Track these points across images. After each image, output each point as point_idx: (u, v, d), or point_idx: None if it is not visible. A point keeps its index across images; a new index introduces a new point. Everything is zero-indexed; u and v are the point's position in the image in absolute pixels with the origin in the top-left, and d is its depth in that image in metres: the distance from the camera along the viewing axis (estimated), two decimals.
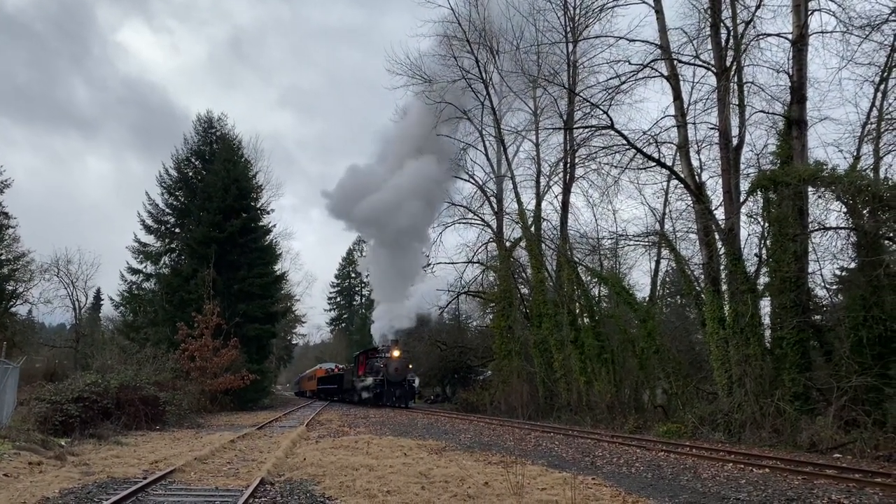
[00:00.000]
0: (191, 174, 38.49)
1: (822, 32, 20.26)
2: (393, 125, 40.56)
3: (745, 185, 21.08)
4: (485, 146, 36.99)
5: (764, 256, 20.14)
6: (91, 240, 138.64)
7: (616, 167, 25.55)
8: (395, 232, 38.38)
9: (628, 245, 30.55)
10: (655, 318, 25.29)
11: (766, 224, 19.81)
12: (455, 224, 40.19)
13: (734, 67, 21.50)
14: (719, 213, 21.71)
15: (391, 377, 36.65)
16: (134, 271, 37.29)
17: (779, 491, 10.01)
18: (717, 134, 21.77)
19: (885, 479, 10.63)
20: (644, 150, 22.08)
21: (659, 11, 23.45)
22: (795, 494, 9.72)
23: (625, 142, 22.03)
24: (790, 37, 20.51)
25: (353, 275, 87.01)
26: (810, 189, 18.69)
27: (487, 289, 40.60)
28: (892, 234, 17.15)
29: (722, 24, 21.52)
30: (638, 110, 74.37)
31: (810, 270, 19.18)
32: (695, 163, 23.38)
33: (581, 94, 29.09)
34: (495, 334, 34.59)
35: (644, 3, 23.79)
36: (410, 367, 38.48)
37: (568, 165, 31.97)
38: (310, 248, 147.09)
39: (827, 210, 18.55)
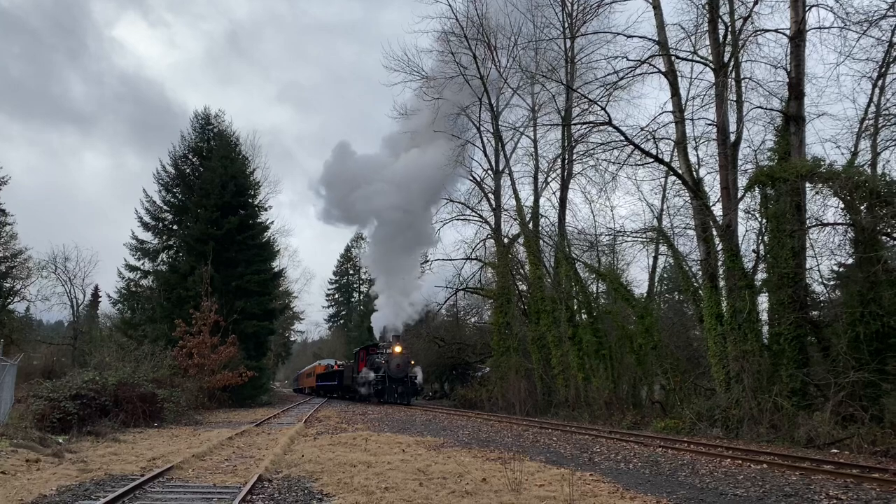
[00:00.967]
0: (188, 171, 38.41)
1: (819, 28, 20.26)
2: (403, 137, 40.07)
3: (742, 182, 21.10)
4: (482, 142, 37.01)
5: (761, 252, 20.15)
6: (88, 236, 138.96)
7: (614, 163, 25.52)
8: (396, 223, 37.95)
9: (626, 241, 30.55)
10: (653, 314, 25.30)
11: (764, 220, 19.82)
12: (453, 220, 40.22)
13: (732, 63, 21.49)
14: (717, 210, 21.74)
15: (393, 373, 36.19)
16: (131, 268, 37.23)
17: (776, 486, 10.03)
18: (714, 130, 21.76)
19: (882, 475, 10.65)
20: (642, 146, 22.07)
21: (657, 7, 23.42)
22: (793, 490, 9.74)
23: (623, 138, 22.00)
24: (788, 33, 20.49)
25: (351, 271, 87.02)
26: (808, 185, 18.69)
27: (486, 285, 40.62)
28: (889, 230, 17.15)
29: (720, 20, 21.49)
30: (636, 106, 74.49)
31: (808, 266, 19.20)
32: (692, 159, 23.40)
33: (579, 90, 29.07)
34: (493, 331, 34.62)
35: None
36: (413, 362, 38.03)
37: (566, 161, 31.96)
38: (308, 244, 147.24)
39: (824, 206, 18.59)
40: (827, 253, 18.74)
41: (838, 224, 18.08)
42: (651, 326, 23.97)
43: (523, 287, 36.03)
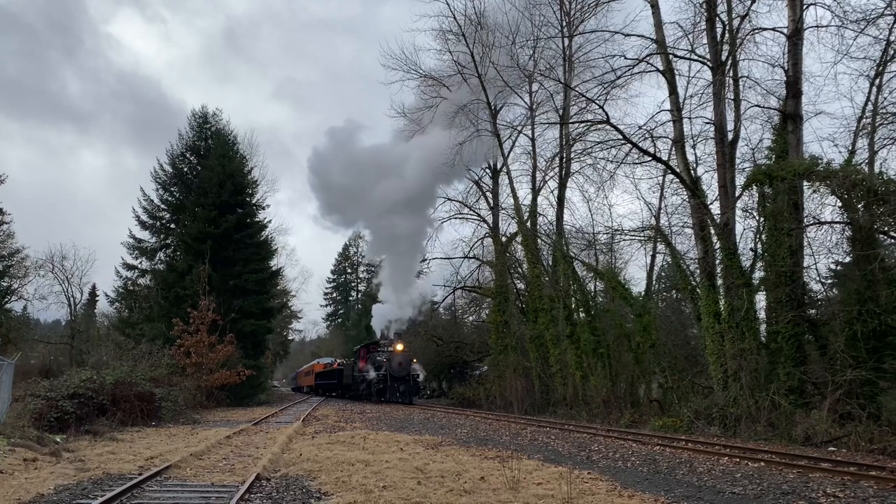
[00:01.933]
0: (186, 170, 38.37)
1: (817, 27, 20.30)
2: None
3: (740, 180, 21.14)
4: (480, 141, 36.90)
5: (759, 251, 20.18)
6: (86, 235, 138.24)
7: (612, 162, 25.61)
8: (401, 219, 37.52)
9: (624, 240, 30.64)
10: (651, 312, 25.33)
11: (762, 218, 19.84)
12: (451, 219, 40.27)
13: (729, 62, 21.51)
14: (715, 208, 21.78)
15: (395, 371, 35.56)
16: (129, 267, 37.23)
17: (774, 484, 10.04)
18: (712, 128, 21.79)
19: (879, 473, 10.66)
20: (640, 144, 22.09)
21: (654, 6, 23.44)
22: (790, 488, 9.75)
23: (620, 136, 22.02)
24: (785, 31, 20.52)
25: (349, 270, 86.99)
26: (805, 183, 18.72)
27: (483, 284, 40.63)
28: (886, 228, 17.19)
29: (717, 19, 21.53)
30: (634, 105, 74.78)
31: (805, 265, 19.24)
32: (690, 157, 23.42)
33: (577, 88, 29.09)
34: (491, 329, 34.62)
35: None
36: (415, 360, 37.53)
37: (563, 160, 31.98)
38: (305, 243, 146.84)
39: (822, 204, 18.63)
40: (824, 251, 18.81)
41: (836, 222, 18.13)
42: (649, 325, 24.00)
43: (521, 286, 36.07)
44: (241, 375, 31.24)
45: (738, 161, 21.75)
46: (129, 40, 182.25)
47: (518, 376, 30.93)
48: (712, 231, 21.12)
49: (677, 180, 23.27)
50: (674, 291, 33.58)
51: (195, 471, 10.96)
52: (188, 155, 38.70)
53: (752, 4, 20.91)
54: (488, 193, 38.27)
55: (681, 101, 23.04)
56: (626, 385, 26.11)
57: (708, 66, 21.88)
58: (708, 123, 22.26)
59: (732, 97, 21.72)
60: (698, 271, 22.41)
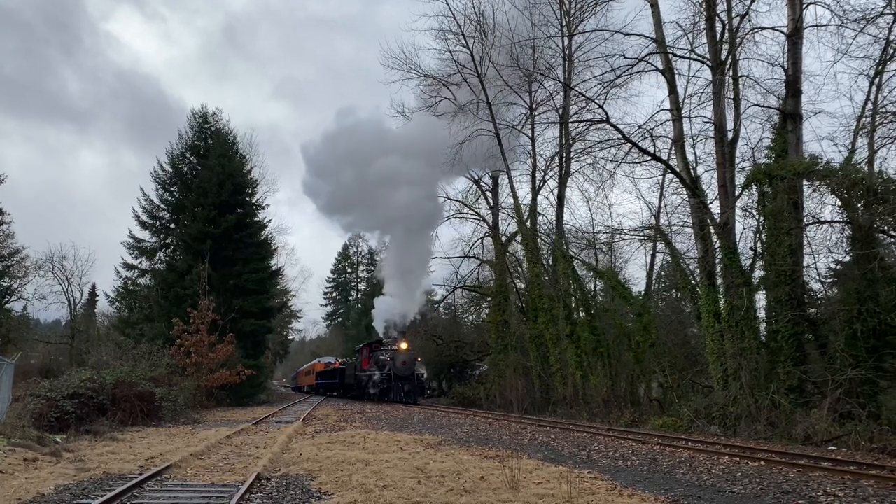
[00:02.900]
0: (185, 169, 38.36)
1: (817, 26, 20.31)
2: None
3: (740, 179, 21.15)
4: (480, 141, 36.85)
5: (759, 250, 20.18)
6: (86, 235, 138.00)
7: (611, 161, 25.60)
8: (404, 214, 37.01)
9: (624, 239, 30.66)
10: (651, 312, 25.34)
11: (761, 218, 19.84)
12: (451, 219, 40.22)
13: (729, 61, 21.51)
14: (714, 207, 21.79)
15: (399, 371, 34.78)
16: (129, 267, 37.22)
17: (774, 483, 10.05)
18: (712, 128, 21.80)
19: (879, 472, 10.67)
20: (639, 144, 22.11)
21: (654, 5, 23.44)
22: (790, 487, 9.75)
23: (620, 136, 22.04)
24: (785, 30, 20.53)
25: (348, 270, 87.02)
26: (805, 183, 18.73)
27: (483, 283, 40.61)
28: (886, 227, 17.20)
29: (717, 18, 21.53)
30: (633, 104, 74.92)
31: (805, 264, 19.25)
32: (690, 157, 23.43)
33: (576, 88, 29.09)
34: (491, 329, 34.59)
35: None
36: (419, 359, 36.90)
37: (563, 160, 31.98)
38: (305, 243, 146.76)
39: (822, 204, 18.63)
40: (824, 250, 18.82)
41: (835, 221, 18.13)
42: (649, 324, 24.00)
43: (521, 285, 36.04)
44: (241, 375, 31.25)
45: (737, 160, 21.78)
46: (129, 39, 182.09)
47: (518, 376, 30.92)
48: (712, 230, 21.12)
49: (677, 180, 23.29)
50: (674, 291, 33.56)
51: (195, 470, 10.97)
52: (188, 155, 38.68)
53: (751, 4, 20.94)
54: (488, 193, 38.27)
55: (680, 100, 23.06)
56: (626, 384, 26.10)
57: (707, 65, 21.88)
58: (707, 123, 22.29)
59: (732, 96, 21.73)
60: (698, 270, 22.42)
